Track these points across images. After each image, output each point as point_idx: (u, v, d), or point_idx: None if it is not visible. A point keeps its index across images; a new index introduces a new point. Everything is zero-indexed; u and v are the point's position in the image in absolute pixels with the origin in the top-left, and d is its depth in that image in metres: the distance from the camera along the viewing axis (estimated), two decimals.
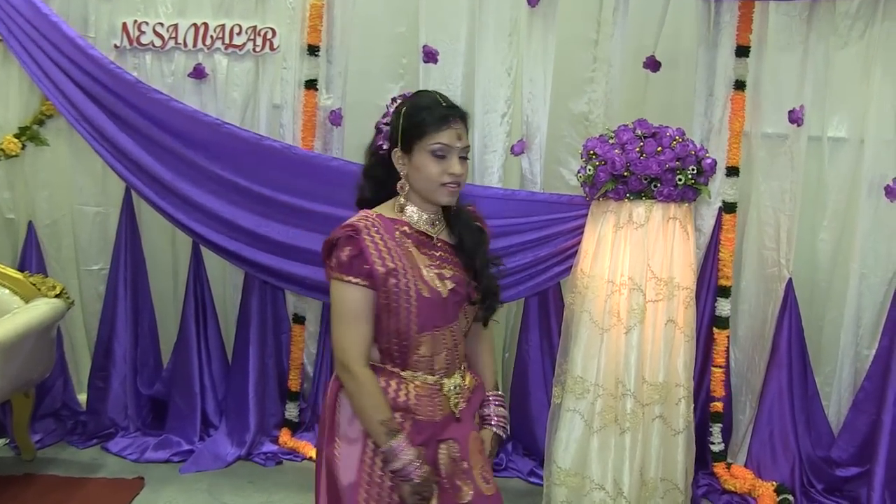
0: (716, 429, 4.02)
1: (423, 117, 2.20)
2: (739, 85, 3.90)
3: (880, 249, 3.85)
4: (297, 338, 4.23)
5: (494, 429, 2.43)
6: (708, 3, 3.90)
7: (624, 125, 3.55)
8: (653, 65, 4.02)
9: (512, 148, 4.00)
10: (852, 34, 3.84)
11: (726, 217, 3.95)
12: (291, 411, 4.26)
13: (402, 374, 2.25)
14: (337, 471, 2.21)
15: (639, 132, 3.49)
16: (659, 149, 3.41)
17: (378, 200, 2.32)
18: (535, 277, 3.83)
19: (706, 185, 3.51)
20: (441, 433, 2.25)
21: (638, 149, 3.42)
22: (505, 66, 4.03)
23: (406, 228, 2.26)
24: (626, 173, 3.40)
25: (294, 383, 4.24)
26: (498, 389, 2.52)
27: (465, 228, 2.33)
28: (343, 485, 2.19)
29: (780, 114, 3.91)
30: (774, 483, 3.89)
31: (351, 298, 2.17)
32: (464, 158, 2.24)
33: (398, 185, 2.27)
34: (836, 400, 3.97)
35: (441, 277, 2.25)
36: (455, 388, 2.30)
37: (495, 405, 2.46)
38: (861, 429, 3.85)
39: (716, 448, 4.03)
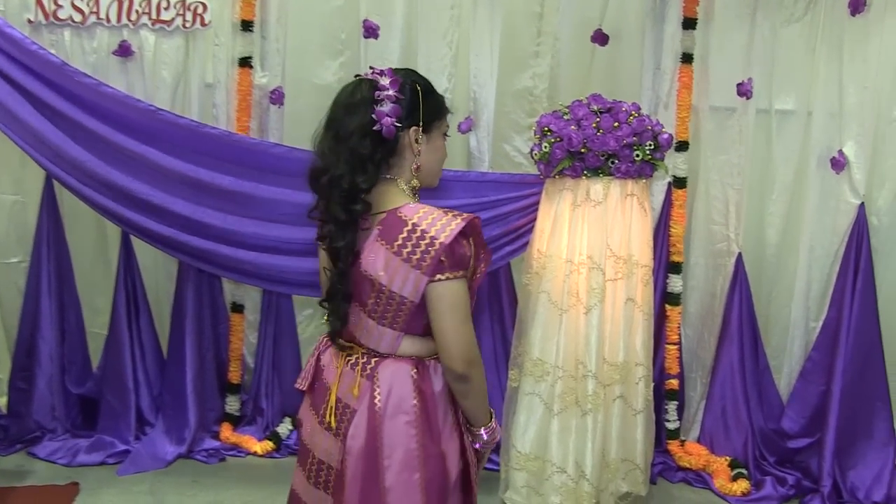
0: (671, 406, 4.00)
1: (439, 98, 2.12)
2: (687, 58, 3.87)
3: (826, 222, 3.87)
4: (236, 327, 4.04)
5: None
6: None
7: (578, 101, 3.46)
8: (601, 38, 3.95)
9: (459, 126, 3.87)
10: (798, 7, 3.84)
11: (677, 192, 3.91)
12: (232, 405, 4.07)
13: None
14: (449, 464, 2.04)
15: (594, 107, 3.40)
16: (616, 124, 3.34)
17: (372, 188, 2.02)
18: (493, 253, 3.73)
19: (663, 160, 3.45)
20: None
21: (594, 124, 3.34)
22: (446, 40, 3.90)
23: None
24: (583, 150, 3.31)
25: (234, 375, 4.06)
26: None
27: None
28: (453, 476, 2.04)
29: (727, 87, 3.89)
30: (728, 458, 3.91)
31: (465, 294, 1.98)
32: None
33: (414, 166, 2.06)
34: (787, 372, 3.99)
35: None
36: None
37: None
38: (810, 400, 3.88)
39: (671, 426, 4.02)
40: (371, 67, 2.13)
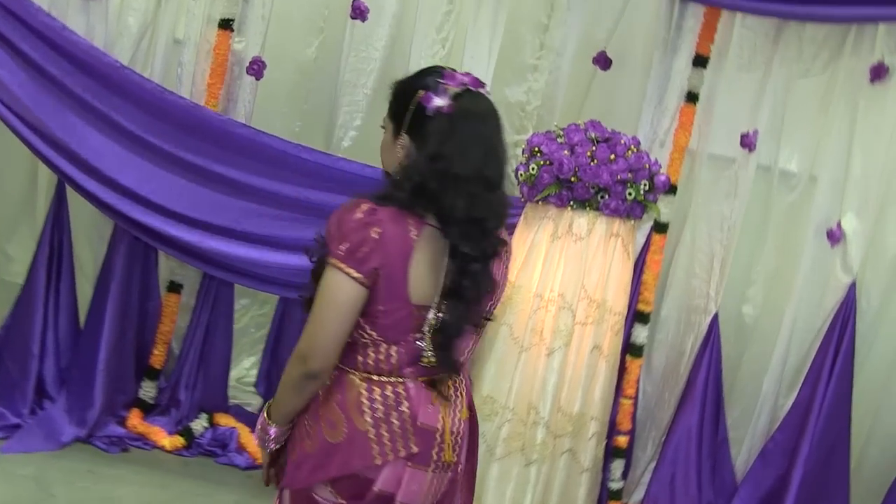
0: (617, 465, 3.69)
1: None
2: (692, 97, 3.61)
3: (814, 295, 3.62)
4: (170, 309, 3.69)
5: None
6: (672, 3, 3.58)
7: (575, 124, 3.19)
8: (603, 61, 3.68)
9: None
10: (816, 63, 3.60)
11: (656, 237, 3.65)
12: (148, 391, 3.71)
13: None
14: None
15: (592, 134, 3.13)
16: (612, 156, 3.07)
17: None
18: None
19: (655, 202, 3.19)
20: None
21: (589, 153, 3.07)
22: (440, 36, 3.63)
23: None
24: (573, 178, 3.04)
25: (157, 359, 3.70)
26: None
27: None
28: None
29: (730, 135, 3.65)
30: None
31: None
32: (383, 129, 1.92)
33: None
34: (747, 448, 3.72)
35: None
36: None
37: None
38: (766, 483, 3.63)
39: (614, 485, 3.70)
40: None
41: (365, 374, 1.79)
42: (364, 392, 1.78)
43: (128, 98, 3.26)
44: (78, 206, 3.63)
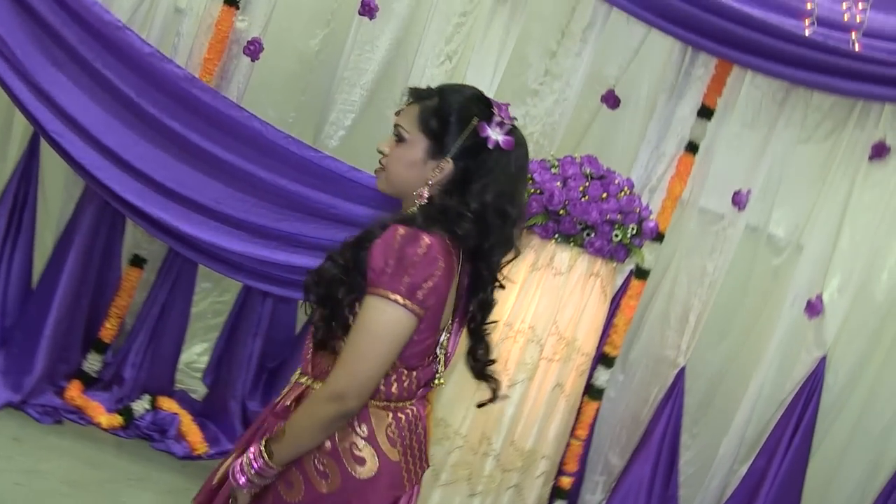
0: None
1: None
2: (692, 147, 3.56)
3: (784, 364, 3.61)
4: (129, 283, 3.57)
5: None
6: (685, 49, 3.54)
7: (571, 157, 3.14)
8: (612, 100, 3.62)
9: None
10: (818, 131, 3.59)
11: (635, 282, 3.61)
12: (93, 363, 3.59)
13: None
14: None
15: (587, 170, 3.08)
16: (604, 195, 3.02)
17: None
18: None
19: (640, 248, 3.14)
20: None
21: (581, 188, 3.02)
22: (448, 47, 3.55)
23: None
24: (561, 211, 2.99)
25: (108, 333, 3.57)
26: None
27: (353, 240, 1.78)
28: None
29: (723, 190, 3.62)
30: None
31: None
32: (397, 140, 1.80)
33: None
34: None
35: None
36: (293, 382, 1.83)
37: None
38: None
39: None
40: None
41: (385, 403, 1.73)
42: (392, 423, 1.73)
43: (124, 59, 3.15)
44: (50, 162, 3.51)
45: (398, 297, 1.63)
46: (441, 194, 1.73)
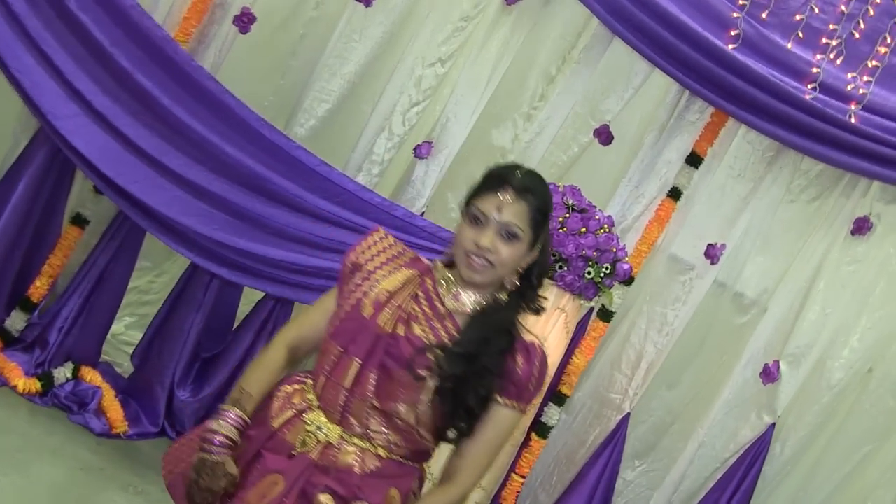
0: None
1: (482, 179, 2.02)
2: (675, 193, 3.53)
3: (729, 425, 3.59)
4: (68, 242, 3.41)
5: None
6: (681, 92, 3.51)
7: (554, 184, 3.08)
8: (605, 135, 3.53)
9: (417, 148, 3.41)
10: (803, 196, 3.58)
11: (597, 324, 3.54)
12: (16, 322, 3.42)
13: (307, 380, 2.09)
14: None
15: (569, 201, 3.03)
16: (583, 229, 2.98)
17: None
18: None
19: (611, 288, 3.10)
20: (266, 449, 2.00)
21: (561, 219, 2.97)
22: (442, 49, 3.46)
23: (430, 281, 2.09)
24: None
25: (37, 293, 3.41)
26: None
27: (476, 330, 1.98)
28: None
29: (697, 241, 3.59)
30: None
31: (327, 292, 2.14)
32: (507, 238, 1.95)
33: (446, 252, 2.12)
34: None
35: (400, 318, 2.00)
36: (317, 429, 1.99)
37: None
38: None
39: None
40: None
41: None
42: None
43: (104, 6, 3.01)
44: (4, 101, 3.32)
45: (526, 408, 1.99)
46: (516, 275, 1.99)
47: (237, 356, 3.45)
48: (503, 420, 1.98)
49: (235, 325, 3.54)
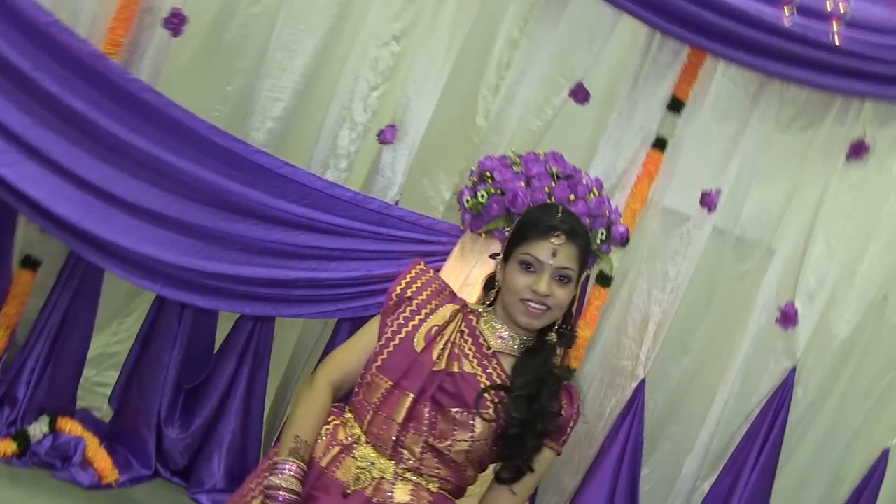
0: None
1: (526, 225, 2.15)
2: (660, 143, 3.36)
3: (751, 376, 3.45)
4: (21, 288, 3.16)
5: None
6: (652, 35, 3.33)
7: (534, 153, 2.92)
8: (581, 94, 3.33)
9: (380, 133, 3.21)
10: (793, 127, 3.43)
11: (598, 291, 3.39)
12: None
13: (346, 413, 2.18)
14: None
15: (552, 168, 2.86)
16: (572, 196, 2.80)
17: None
18: (361, 299, 3.11)
19: (608, 254, 2.94)
20: (316, 490, 2.04)
21: (547, 189, 2.80)
22: (394, 26, 3.24)
23: (472, 317, 2.22)
24: None
25: None
26: None
27: (530, 372, 2.12)
28: None
29: (690, 189, 3.43)
30: None
31: (366, 325, 2.24)
32: (562, 281, 2.12)
33: (490, 292, 2.24)
34: None
35: (452, 355, 2.12)
36: (370, 465, 2.06)
37: None
38: None
39: None
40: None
41: None
42: None
43: (16, 25, 2.75)
44: None
45: (562, 449, 2.20)
46: None
47: (223, 382, 3.25)
48: (544, 461, 2.13)
49: (216, 350, 3.35)
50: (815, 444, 3.55)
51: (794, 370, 3.39)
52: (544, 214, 2.13)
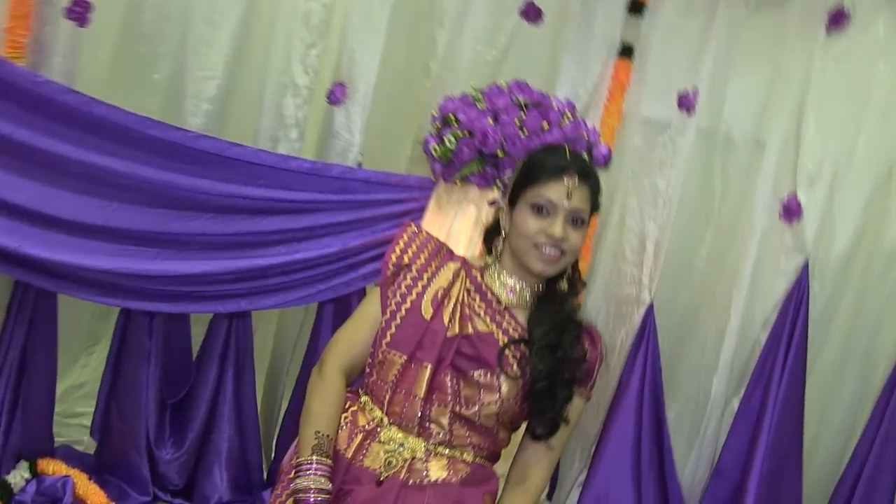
0: None
1: (535, 166, 2.07)
2: (626, 51, 3.16)
3: (763, 279, 3.27)
4: None
5: None
6: None
7: (496, 86, 2.71)
8: (532, 12, 3.09)
9: (329, 94, 2.97)
10: (763, 4, 3.21)
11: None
12: None
13: (361, 397, 2.11)
14: None
15: (519, 98, 2.65)
16: (545, 124, 2.60)
17: None
18: (340, 275, 2.92)
19: None
20: (347, 484, 1.97)
21: (517, 121, 2.60)
22: None
23: (475, 272, 2.14)
24: (499, 153, 2.56)
25: None
26: None
27: (548, 321, 2.06)
28: None
29: (665, 94, 3.21)
30: None
31: (366, 300, 2.17)
32: (576, 224, 2.07)
33: (494, 242, 2.15)
34: (695, 460, 3.36)
35: (463, 316, 2.04)
36: (399, 447, 1.99)
37: None
38: (721, 495, 3.27)
39: None
40: None
41: None
42: None
43: None
44: None
45: (591, 394, 2.19)
46: None
47: (209, 390, 3.05)
48: (575, 409, 2.10)
49: (195, 357, 3.13)
50: (840, 338, 3.40)
51: (806, 265, 3.21)
52: (552, 155, 2.06)
